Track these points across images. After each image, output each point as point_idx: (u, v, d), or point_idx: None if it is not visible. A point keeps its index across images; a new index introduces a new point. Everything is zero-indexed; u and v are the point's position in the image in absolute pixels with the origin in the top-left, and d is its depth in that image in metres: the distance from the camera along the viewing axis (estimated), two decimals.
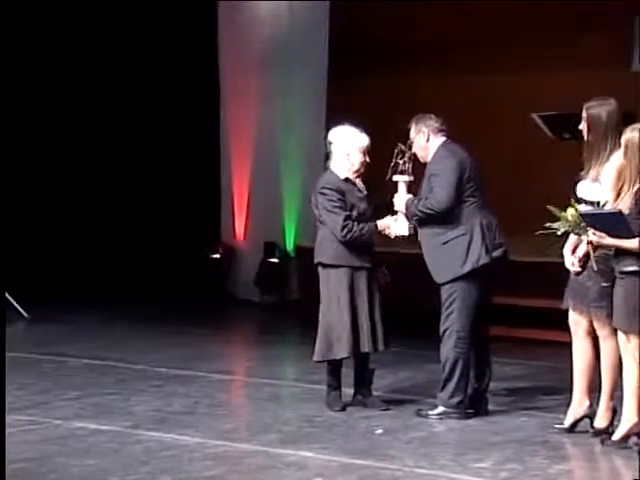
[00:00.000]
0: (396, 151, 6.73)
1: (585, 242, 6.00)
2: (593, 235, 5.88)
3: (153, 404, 7.03)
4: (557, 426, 6.37)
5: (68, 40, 12.15)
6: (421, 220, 6.67)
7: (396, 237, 6.84)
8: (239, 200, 12.10)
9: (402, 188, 6.76)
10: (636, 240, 5.76)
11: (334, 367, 6.90)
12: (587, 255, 6.06)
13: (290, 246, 11.77)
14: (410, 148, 6.73)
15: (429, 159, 6.75)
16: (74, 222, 12.35)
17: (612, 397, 6.16)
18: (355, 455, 5.93)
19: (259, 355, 9.10)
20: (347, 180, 6.87)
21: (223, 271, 12.09)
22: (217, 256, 12.11)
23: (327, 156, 6.97)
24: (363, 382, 6.96)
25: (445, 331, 6.63)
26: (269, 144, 11.82)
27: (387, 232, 6.86)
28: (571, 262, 6.17)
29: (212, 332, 9.96)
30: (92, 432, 6.35)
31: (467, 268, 6.56)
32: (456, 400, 6.63)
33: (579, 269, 6.14)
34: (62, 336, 9.49)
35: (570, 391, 6.37)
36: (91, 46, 12.24)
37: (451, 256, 6.59)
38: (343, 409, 6.86)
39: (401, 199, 6.76)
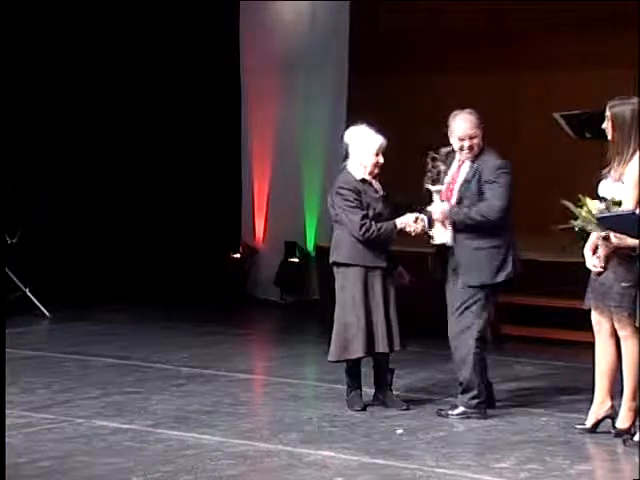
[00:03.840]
0: (428, 159, 6.66)
1: (600, 239, 5.99)
2: (614, 238, 5.89)
3: (174, 403, 7.06)
4: (578, 426, 6.36)
5: (87, 40, 12.19)
6: (470, 226, 6.61)
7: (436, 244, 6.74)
8: (260, 200, 12.11)
9: (437, 197, 6.69)
10: None
11: (352, 367, 6.91)
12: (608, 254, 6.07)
13: (310, 246, 11.78)
14: (440, 154, 6.64)
15: (476, 160, 6.67)
16: (99, 223, 12.39)
17: (634, 397, 6.14)
18: (376, 455, 5.94)
19: (280, 355, 9.11)
20: (363, 181, 6.86)
21: (243, 271, 12.10)
22: (238, 256, 12.13)
23: (345, 156, 6.97)
24: (383, 382, 6.96)
25: (463, 331, 6.62)
26: (290, 144, 11.83)
27: (407, 230, 6.85)
28: (593, 263, 6.16)
29: (233, 332, 9.98)
30: (113, 431, 6.38)
31: (499, 279, 6.62)
32: (476, 401, 6.63)
33: (601, 269, 6.13)
34: (86, 336, 9.52)
35: (592, 391, 6.35)
36: (111, 47, 12.28)
37: (485, 263, 6.61)
38: (363, 409, 6.86)
39: (438, 207, 6.69)
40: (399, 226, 6.82)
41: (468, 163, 6.72)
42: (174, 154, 12.47)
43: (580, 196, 6.05)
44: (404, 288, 6.92)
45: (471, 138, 6.66)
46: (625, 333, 6.11)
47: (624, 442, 6.05)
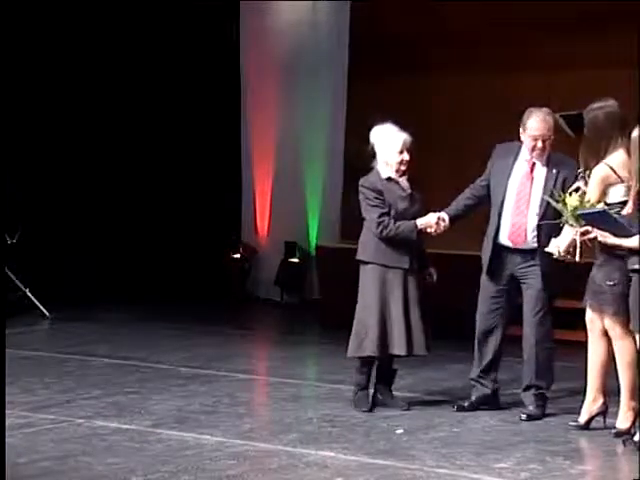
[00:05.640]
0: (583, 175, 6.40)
1: (577, 233, 6.09)
2: (600, 237, 5.97)
3: (174, 403, 7.05)
4: (572, 423, 6.41)
5: (87, 41, 12.19)
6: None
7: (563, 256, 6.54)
8: (261, 200, 12.12)
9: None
10: (636, 238, 5.80)
11: (364, 367, 6.88)
12: (574, 245, 6.15)
13: (312, 246, 11.77)
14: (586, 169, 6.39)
15: (550, 163, 6.60)
16: (99, 223, 12.39)
17: (632, 397, 6.15)
18: (376, 455, 5.93)
19: (280, 355, 9.11)
20: (389, 179, 6.84)
21: (244, 271, 12.11)
22: (237, 256, 12.14)
23: (373, 156, 6.90)
24: (385, 382, 6.95)
25: (544, 337, 6.67)
26: (291, 144, 11.84)
27: (429, 230, 6.80)
28: (555, 246, 6.18)
29: (233, 332, 9.98)
30: (113, 431, 6.37)
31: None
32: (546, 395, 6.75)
33: (559, 256, 6.15)
34: (86, 336, 9.53)
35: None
36: (111, 48, 12.28)
37: (557, 272, 6.60)
38: (370, 409, 6.83)
39: None
40: (420, 226, 6.78)
41: (542, 168, 6.63)
42: (174, 155, 12.47)
43: (560, 192, 6.16)
44: (428, 288, 6.86)
45: (545, 139, 6.60)
46: (614, 333, 6.15)
47: (624, 442, 6.06)
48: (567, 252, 6.21)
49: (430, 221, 6.78)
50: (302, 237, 11.82)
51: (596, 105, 6.27)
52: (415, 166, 6.93)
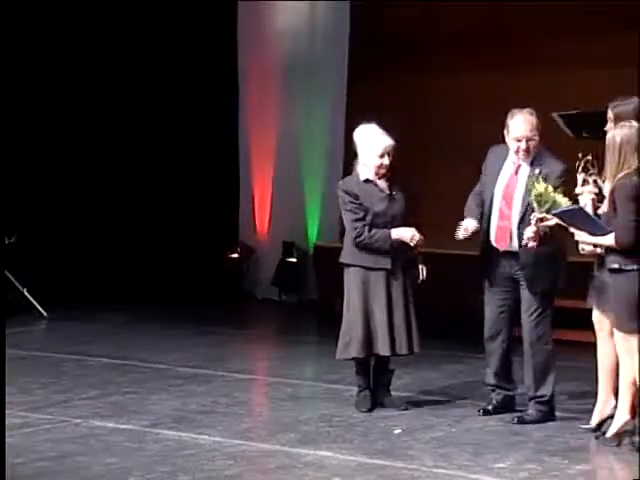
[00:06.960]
0: (581, 165, 6.31)
1: (535, 218, 6.17)
2: (577, 236, 5.98)
3: (172, 403, 7.05)
4: (583, 426, 6.32)
5: (87, 43, 12.19)
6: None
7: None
8: (260, 200, 12.11)
9: (589, 202, 6.34)
10: (611, 237, 5.78)
11: (361, 367, 6.88)
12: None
13: (311, 246, 11.78)
14: (596, 158, 6.29)
15: (536, 163, 6.50)
16: (98, 223, 12.39)
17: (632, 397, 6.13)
18: (374, 455, 5.92)
19: (278, 354, 9.10)
20: (367, 181, 6.81)
21: (241, 271, 12.11)
22: (235, 256, 12.14)
23: (355, 154, 6.87)
24: (382, 382, 6.94)
25: (539, 338, 6.53)
26: (290, 145, 11.83)
27: (411, 243, 6.72)
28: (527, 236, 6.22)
29: (231, 332, 9.97)
30: (111, 431, 6.37)
31: (560, 285, 6.57)
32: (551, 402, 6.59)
33: (531, 244, 6.19)
34: (84, 336, 9.52)
35: (591, 391, 6.36)
36: (110, 49, 12.28)
37: (548, 271, 6.51)
38: (370, 410, 6.82)
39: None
40: (394, 237, 6.72)
41: (526, 168, 6.52)
42: (173, 155, 12.47)
43: (530, 177, 6.21)
44: (420, 286, 6.82)
45: (528, 140, 6.49)
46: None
47: (596, 437, 6.06)
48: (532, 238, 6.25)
49: (405, 235, 6.68)
50: (301, 237, 11.82)
51: (619, 102, 6.22)
52: (414, 166, 6.92)
